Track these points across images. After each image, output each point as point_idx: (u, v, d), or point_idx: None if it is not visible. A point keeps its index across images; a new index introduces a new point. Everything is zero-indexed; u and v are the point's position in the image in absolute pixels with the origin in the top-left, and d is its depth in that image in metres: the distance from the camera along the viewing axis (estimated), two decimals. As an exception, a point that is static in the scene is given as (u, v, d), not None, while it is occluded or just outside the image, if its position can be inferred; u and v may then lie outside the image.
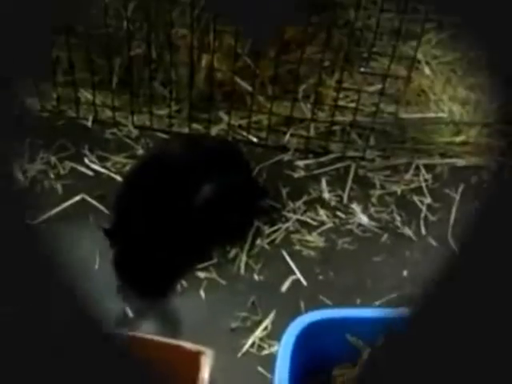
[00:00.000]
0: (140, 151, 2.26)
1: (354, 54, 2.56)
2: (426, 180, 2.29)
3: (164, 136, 2.34)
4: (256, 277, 1.88)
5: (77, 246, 1.88)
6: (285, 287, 1.85)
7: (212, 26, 2.15)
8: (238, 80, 2.28)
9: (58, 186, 2.11)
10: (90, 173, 2.17)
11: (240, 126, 2.37)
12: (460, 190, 2.25)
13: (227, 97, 2.32)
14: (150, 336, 1.07)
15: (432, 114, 2.53)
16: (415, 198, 2.22)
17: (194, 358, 1.08)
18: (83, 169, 2.18)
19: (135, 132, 2.35)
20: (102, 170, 2.18)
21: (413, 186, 2.26)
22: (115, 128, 2.36)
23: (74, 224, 1.97)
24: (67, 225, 1.96)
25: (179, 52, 2.24)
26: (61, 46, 2.33)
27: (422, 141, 2.43)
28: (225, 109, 2.36)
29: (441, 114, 2.54)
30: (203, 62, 2.22)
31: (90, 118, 2.38)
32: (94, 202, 2.04)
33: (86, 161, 2.21)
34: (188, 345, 1.11)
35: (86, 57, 2.30)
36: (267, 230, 2.02)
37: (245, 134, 2.35)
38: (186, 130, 2.35)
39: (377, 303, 1.82)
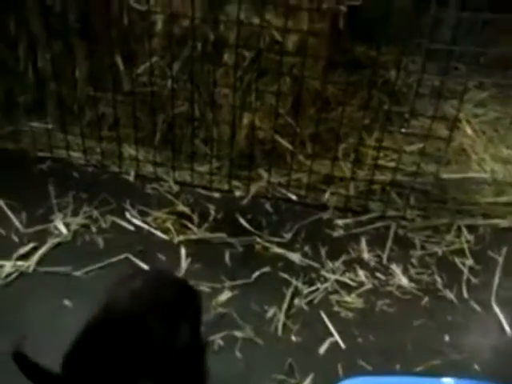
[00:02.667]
0: (180, 206, 2.28)
1: (394, 113, 2.57)
2: (467, 241, 2.24)
3: (204, 192, 2.37)
4: (293, 338, 1.85)
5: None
6: (323, 349, 1.81)
7: (254, 86, 2.20)
8: (279, 138, 2.31)
9: (100, 241, 2.14)
10: (131, 227, 2.20)
11: (280, 184, 2.38)
12: (504, 251, 2.20)
13: (267, 155, 2.35)
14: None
15: (474, 174, 2.51)
16: (457, 260, 2.18)
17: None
18: (124, 223, 2.21)
19: (176, 188, 2.38)
20: (143, 225, 2.20)
21: (454, 247, 2.22)
22: (156, 183, 2.40)
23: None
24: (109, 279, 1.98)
25: (221, 111, 2.28)
26: (107, 102, 2.41)
27: (464, 201, 2.40)
28: (265, 166, 2.38)
29: (483, 174, 2.51)
30: (244, 121, 2.26)
31: (132, 173, 2.43)
32: (135, 259, 2.06)
33: (128, 215, 2.24)
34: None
35: (131, 113, 2.36)
36: (305, 289, 2.00)
37: (284, 191, 2.36)
38: (225, 187, 2.37)
39: (417, 369, 1.77)
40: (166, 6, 2.14)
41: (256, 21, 2.10)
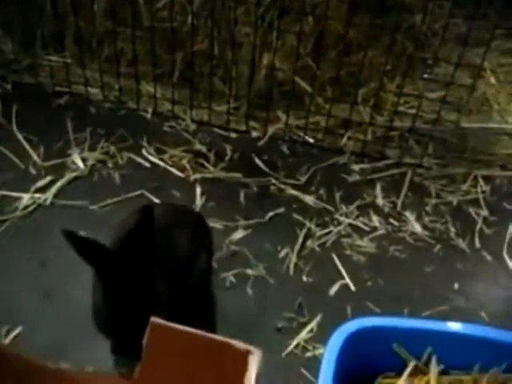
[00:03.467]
0: (197, 145, 2.28)
1: (418, 59, 2.52)
2: (483, 192, 2.23)
3: (221, 132, 2.36)
4: (304, 278, 1.87)
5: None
6: (333, 291, 1.83)
7: (275, 25, 2.16)
8: (298, 80, 2.28)
9: (116, 176, 2.16)
10: (147, 164, 2.21)
11: (297, 126, 2.37)
12: (519, 203, 2.20)
13: (286, 96, 2.33)
14: (199, 332, 1.08)
15: (494, 125, 2.47)
16: (471, 210, 2.17)
17: (242, 357, 1.09)
18: (141, 160, 2.22)
19: (193, 126, 2.38)
20: (159, 163, 2.21)
21: (470, 197, 2.21)
22: (174, 121, 2.39)
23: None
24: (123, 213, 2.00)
25: (241, 50, 2.25)
26: (126, 38, 2.39)
27: (482, 151, 2.38)
28: (283, 108, 2.36)
29: (504, 125, 2.47)
30: (264, 61, 2.23)
31: (150, 110, 2.42)
32: (150, 195, 2.07)
33: (144, 152, 2.25)
34: (237, 343, 1.12)
35: (150, 50, 2.34)
36: (318, 232, 2.01)
37: (301, 134, 2.35)
38: (243, 127, 2.36)
39: (425, 314, 1.79)
40: None
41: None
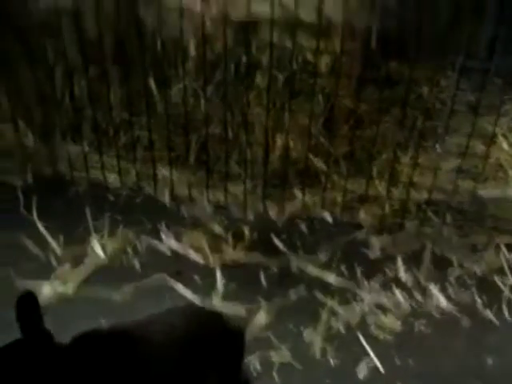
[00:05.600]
0: (215, 227, 2.29)
1: (429, 129, 2.55)
2: (507, 260, 2.20)
3: (238, 213, 2.37)
4: (331, 361, 1.83)
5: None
6: (362, 374, 1.78)
7: (287, 107, 2.20)
8: (312, 158, 2.30)
9: (136, 262, 2.16)
10: (167, 249, 2.21)
11: (314, 204, 2.37)
12: (545, 270, 2.16)
13: (301, 175, 2.34)
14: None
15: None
16: (496, 279, 2.13)
17: None
18: (160, 245, 2.23)
19: (210, 208, 2.39)
20: (178, 247, 2.21)
21: (493, 266, 2.18)
22: (191, 204, 2.41)
23: (153, 300, 2.00)
24: (145, 301, 2.00)
25: (254, 131, 2.29)
26: (141, 125, 2.45)
27: (502, 218, 2.36)
28: (299, 186, 2.38)
29: (521, 191, 2.47)
30: (278, 141, 2.26)
31: (167, 194, 2.45)
32: (171, 281, 2.07)
33: (163, 237, 2.26)
34: None
35: (165, 135, 2.39)
36: (342, 310, 1.98)
37: (319, 211, 2.35)
38: (260, 208, 2.38)
39: (459, 394, 1.73)
40: (198, 30, 2.16)
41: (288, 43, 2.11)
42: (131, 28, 2.29)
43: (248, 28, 2.16)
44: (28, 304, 1.35)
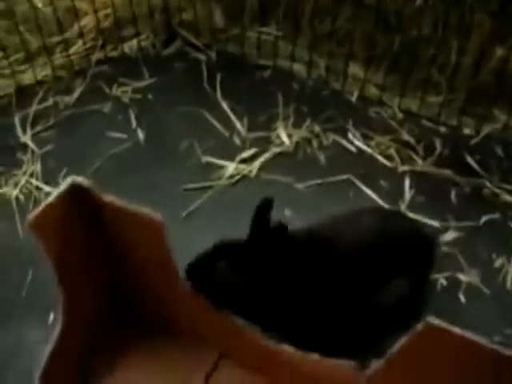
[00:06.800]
0: (405, 136, 2.17)
1: None
2: None
3: (430, 124, 2.22)
4: (524, 293, 1.71)
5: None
6: (558, 313, 1.66)
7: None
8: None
9: (321, 157, 2.10)
10: (353, 149, 2.13)
11: (517, 130, 2.18)
12: None
13: (509, 94, 2.14)
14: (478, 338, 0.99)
15: None
16: None
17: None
18: (346, 144, 2.15)
19: (400, 115, 2.26)
20: (366, 148, 2.12)
21: None
22: (380, 107, 2.29)
23: (337, 197, 1.95)
24: (330, 196, 1.95)
25: (470, 38, 2.09)
26: (342, 16, 2.31)
27: None
28: (502, 107, 2.18)
29: None
30: (497, 53, 2.05)
31: (356, 94, 2.33)
32: (357, 182, 1.99)
33: (350, 136, 2.17)
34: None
35: (366, 30, 2.24)
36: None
37: (521, 138, 2.16)
38: (454, 123, 2.21)
39: None
40: None
41: None
42: None
43: None
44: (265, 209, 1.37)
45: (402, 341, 1.07)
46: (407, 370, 1.12)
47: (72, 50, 2.49)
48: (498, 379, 0.98)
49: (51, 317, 1.61)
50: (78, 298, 1.32)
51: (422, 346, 1.03)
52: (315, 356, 1.27)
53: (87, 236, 1.22)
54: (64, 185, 1.19)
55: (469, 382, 1.02)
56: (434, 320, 0.99)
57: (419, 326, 1.01)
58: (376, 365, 1.19)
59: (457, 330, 0.98)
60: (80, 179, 1.20)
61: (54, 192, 1.18)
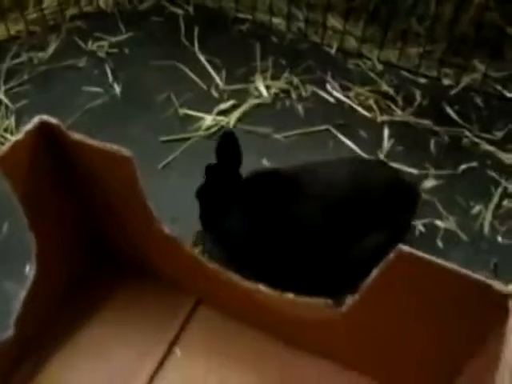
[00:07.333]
0: (384, 86, 2.15)
1: None
2: None
3: (409, 76, 2.21)
4: (500, 239, 1.72)
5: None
6: (534, 257, 1.67)
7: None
8: (507, 26, 2.07)
9: (300, 108, 2.08)
10: (332, 100, 2.11)
11: (495, 79, 2.16)
12: None
13: (490, 44, 2.12)
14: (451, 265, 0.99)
15: None
16: None
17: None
18: (325, 94, 2.12)
19: (380, 67, 2.24)
20: (344, 99, 2.10)
21: None
22: (359, 59, 2.27)
23: (316, 147, 1.93)
24: (309, 147, 1.93)
25: (449, -14, 2.07)
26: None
27: None
28: (482, 57, 2.16)
29: None
30: (475, 1, 2.03)
31: (335, 46, 2.30)
32: (336, 132, 1.98)
33: (328, 87, 2.15)
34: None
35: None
36: (517, 190, 1.84)
37: (499, 87, 2.15)
38: (433, 74, 2.20)
39: None
40: None
41: None
42: None
43: None
44: (229, 142, 1.47)
45: (375, 273, 1.07)
46: (383, 302, 1.12)
47: (45, 4, 2.44)
48: (470, 305, 0.98)
49: (27, 267, 1.59)
50: (51, 242, 1.30)
51: (396, 276, 1.03)
52: (290, 295, 1.26)
53: (56, 174, 1.19)
54: (32, 123, 1.16)
55: (445, 310, 1.02)
56: (405, 248, 0.99)
57: (391, 255, 1.00)
58: (350, 301, 1.19)
59: (428, 256, 0.98)
60: (48, 117, 1.17)
61: (23, 130, 1.16)
